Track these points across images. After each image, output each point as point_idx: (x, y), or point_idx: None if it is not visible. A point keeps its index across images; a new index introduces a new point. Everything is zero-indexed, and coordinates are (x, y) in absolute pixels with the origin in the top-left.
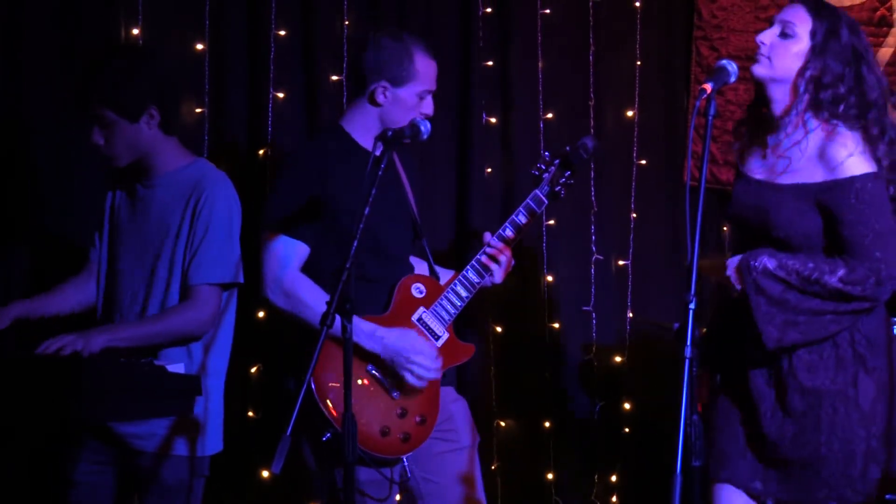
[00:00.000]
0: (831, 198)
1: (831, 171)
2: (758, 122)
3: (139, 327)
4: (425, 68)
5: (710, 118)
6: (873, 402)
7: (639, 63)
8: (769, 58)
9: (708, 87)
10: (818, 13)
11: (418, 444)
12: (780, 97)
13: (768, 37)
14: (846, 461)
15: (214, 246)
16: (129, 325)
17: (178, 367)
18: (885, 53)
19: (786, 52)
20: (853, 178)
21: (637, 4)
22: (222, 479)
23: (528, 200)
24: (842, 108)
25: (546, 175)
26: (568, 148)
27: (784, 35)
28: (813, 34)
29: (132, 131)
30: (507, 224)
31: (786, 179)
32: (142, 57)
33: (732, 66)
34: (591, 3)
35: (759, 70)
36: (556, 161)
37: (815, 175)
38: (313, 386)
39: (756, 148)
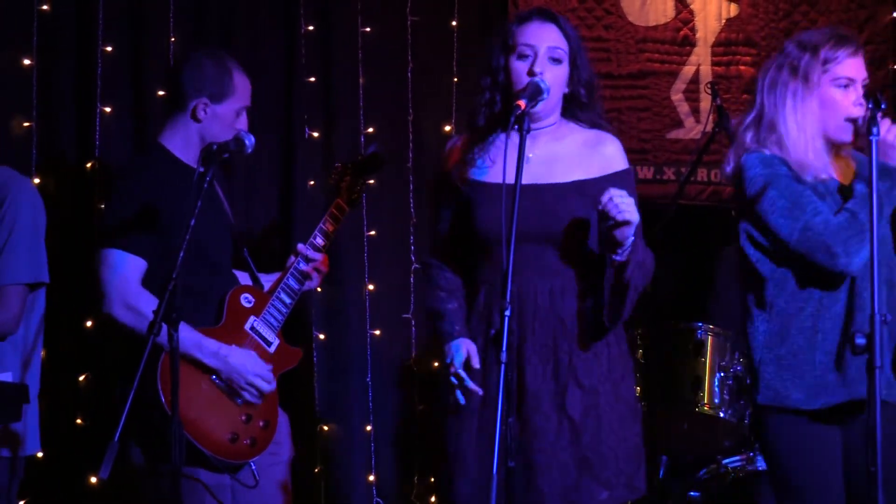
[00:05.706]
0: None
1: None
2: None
3: None
4: (242, 85)
5: (525, 133)
6: (636, 399)
7: (455, 79)
8: None
9: (522, 103)
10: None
11: (264, 447)
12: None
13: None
14: (625, 459)
15: (20, 247)
16: None
17: (6, 376)
18: (688, 72)
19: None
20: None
21: (454, 24)
22: (50, 486)
23: (331, 209)
24: None
25: (342, 184)
26: (359, 157)
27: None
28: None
29: None
30: (315, 232)
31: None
32: None
33: (545, 83)
34: (409, 22)
35: None
36: (349, 171)
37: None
38: (162, 397)
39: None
